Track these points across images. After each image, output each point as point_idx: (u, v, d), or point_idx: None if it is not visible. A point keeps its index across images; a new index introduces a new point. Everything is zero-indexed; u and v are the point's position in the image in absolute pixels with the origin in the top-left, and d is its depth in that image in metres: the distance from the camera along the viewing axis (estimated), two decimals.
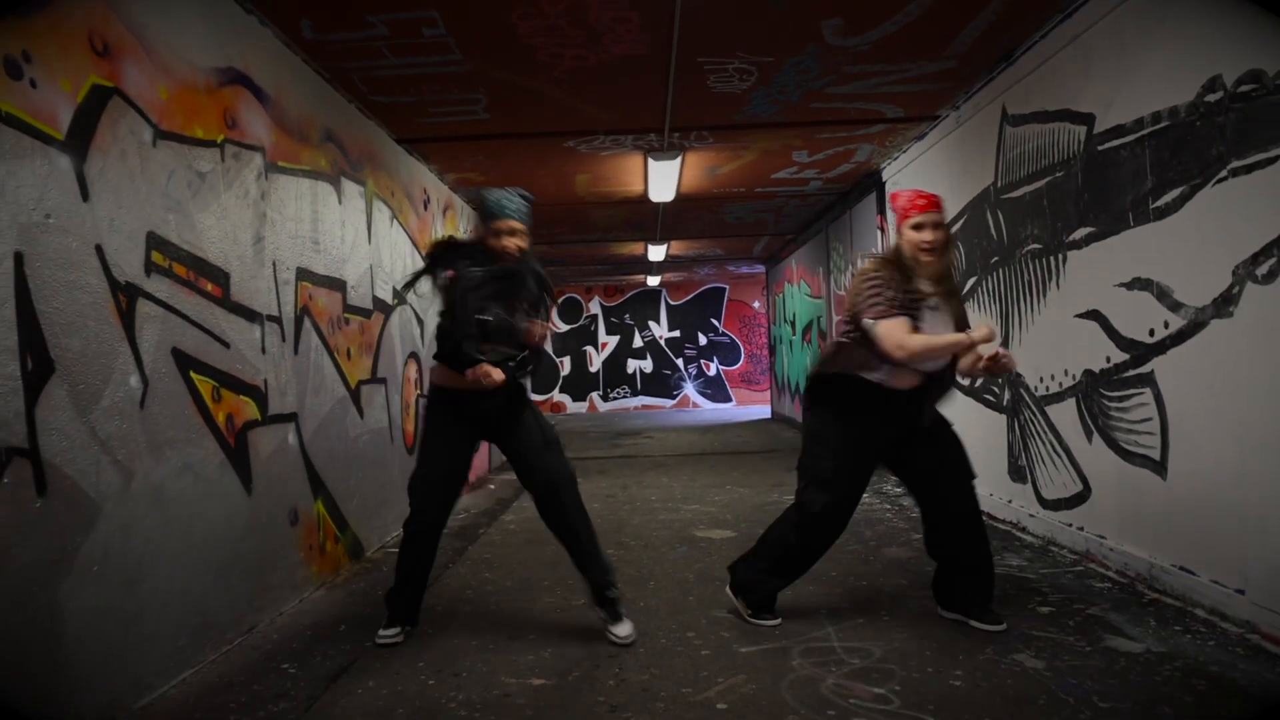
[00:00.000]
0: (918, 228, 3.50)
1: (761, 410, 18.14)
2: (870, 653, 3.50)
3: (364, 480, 5.62)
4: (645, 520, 6.53)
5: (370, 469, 5.77)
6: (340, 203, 5.45)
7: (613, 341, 20.22)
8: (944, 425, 3.75)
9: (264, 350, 4.28)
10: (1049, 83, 4.90)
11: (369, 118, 6.06)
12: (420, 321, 7.27)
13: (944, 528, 3.76)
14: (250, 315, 4.16)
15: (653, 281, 19.05)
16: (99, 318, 3.07)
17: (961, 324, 3.63)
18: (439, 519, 3.85)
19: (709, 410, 19.57)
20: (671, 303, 20.23)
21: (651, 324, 20.28)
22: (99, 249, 3.09)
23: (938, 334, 3.50)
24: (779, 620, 3.89)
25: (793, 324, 14.04)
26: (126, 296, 3.23)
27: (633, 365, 20.26)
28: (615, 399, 20.34)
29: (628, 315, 20.25)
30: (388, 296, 6.38)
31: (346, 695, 3.26)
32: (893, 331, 3.41)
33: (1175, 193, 3.79)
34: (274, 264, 4.45)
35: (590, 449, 12.09)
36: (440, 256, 3.72)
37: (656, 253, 13.58)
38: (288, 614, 4.30)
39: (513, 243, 3.63)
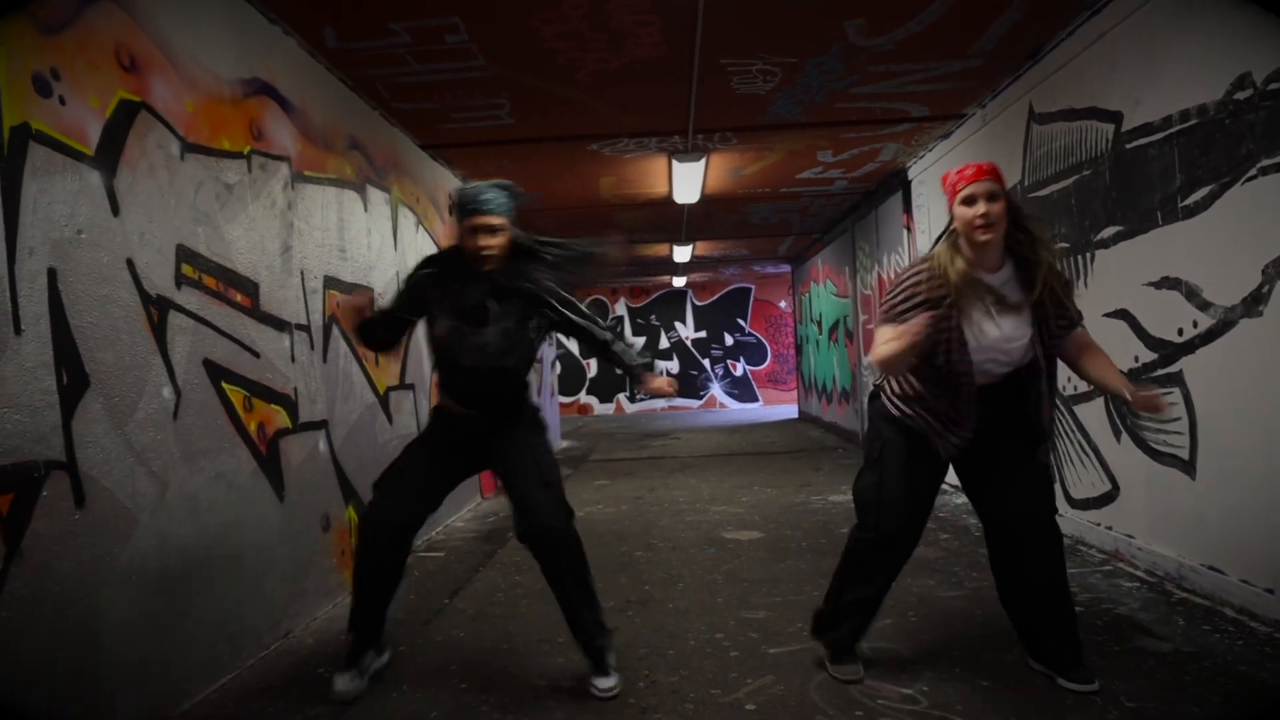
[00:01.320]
0: (968, 201, 2.91)
1: (789, 410, 18.09)
2: (898, 653, 3.50)
3: None
4: (673, 522, 6.54)
5: None
6: (366, 210, 5.50)
7: (639, 343, 20.25)
8: (1014, 446, 3.11)
9: (293, 359, 4.33)
10: (1076, 80, 4.86)
11: (393, 124, 6.11)
12: None
13: (999, 568, 3.26)
14: (279, 325, 4.21)
15: (678, 282, 19.06)
16: (132, 331, 3.12)
17: (1055, 319, 2.99)
18: (401, 520, 3.34)
19: (736, 410, 19.55)
20: (697, 303, 20.23)
21: (678, 324, 20.29)
22: (130, 263, 3.14)
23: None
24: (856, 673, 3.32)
25: (819, 323, 14.00)
26: (158, 309, 3.28)
27: (659, 366, 20.28)
28: (642, 400, 20.36)
29: (654, 316, 20.28)
30: None
31: (381, 699, 3.29)
32: (874, 339, 3.00)
33: (1204, 191, 3.75)
34: (302, 273, 4.50)
35: (617, 450, 12.13)
36: (415, 279, 3.40)
37: (682, 254, 13.58)
38: (321, 619, 4.35)
39: (489, 241, 3.21)
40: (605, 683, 3.24)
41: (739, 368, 20.22)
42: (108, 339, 2.99)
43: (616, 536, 6.07)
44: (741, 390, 20.18)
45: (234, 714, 3.24)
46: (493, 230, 3.19)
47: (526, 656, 3.69)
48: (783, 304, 19.77)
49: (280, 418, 4.18)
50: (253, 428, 3.91)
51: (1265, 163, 3.37)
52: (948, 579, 4.52)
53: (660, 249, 13.55)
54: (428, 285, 3.34)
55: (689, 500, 7.53)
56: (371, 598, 3.38)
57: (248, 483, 3.83)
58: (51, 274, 2.75)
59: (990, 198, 2.88)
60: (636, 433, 15.03)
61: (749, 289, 20.08)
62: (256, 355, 3.98)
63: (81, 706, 2.76)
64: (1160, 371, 4.15)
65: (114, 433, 2.98)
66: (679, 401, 20.20)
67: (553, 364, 13.68)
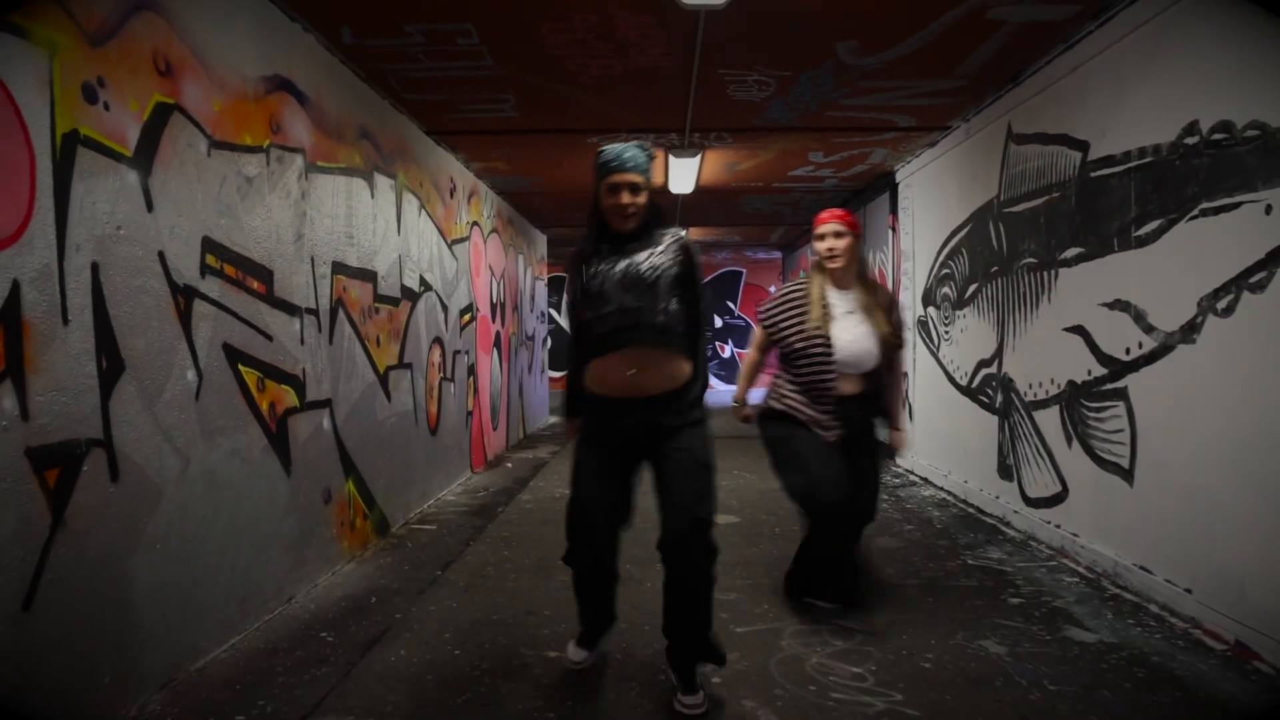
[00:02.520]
0: (819, 238, 4.01)
1: None
2: (852, 635, 3.83)
3: (391, 461, 5.96)
4: (654, 502, 6.80)
5: (396, 450, 6.11)
6: (373, 197, 5.75)
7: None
8: (865, 443, 4.05)
9: (303, 341, 4.60)
10: (1051, 107, 5.14)
11: (401, 112, 6.34)
12: (445, 307, 7.58)
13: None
14: (291, 309, 4.47)
15: None
16: (161, 318, 3.39)
17: (889, 339, 3.97)
18: (600, 556, 3.39)
19: (722, 391, 19.81)
20: None
21: None
22: (161, 255, 3.40)
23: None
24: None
25: None
26: (185, 298, 3.55)
27: None
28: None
29: None
30: (415, 285, 6.70)
31: (381, 663, 3.60)
32: (749, 339, 4.11)
33: (1155, 224, 4.05)
34: (312, 259, 4.76)
35: None
36: (573, 282, 3.33)
37: None
38: (321, 586, 4.66)
39: (631, 199, 3.12)
40: (691, 699, 3.16)
41: (727, 350, 20.50)
42: (140, 326, 3.26)
43: None
44: (729, 372, 20.44)
45: (244, 671, 3.53)
46: (635, 188, 3.13)
47: (514, 627, 4.00)
48: (773, 289, 20.01)
49: (289, 397, 4.45)
50: (265, 407, 4.19)
51: (1205, 205, 3.67)
52: (907, 568, 4.84)
53: None
54: (580, 270, 3.26)
55: None
56: (599, 605, 3.53)
57: (259, 458, 4.12)
58: (94, 268, 3.01)
59: (836, 235, 3.96)
60: None
61: (740, 273, 20.31)
62: (270, 339, 4.25)
63: (112, 663, 3.06)
64: (1109, 386, 4.47)
65: (145, 413, 3.27)
66: None
67: (544, 340, 13.92)
